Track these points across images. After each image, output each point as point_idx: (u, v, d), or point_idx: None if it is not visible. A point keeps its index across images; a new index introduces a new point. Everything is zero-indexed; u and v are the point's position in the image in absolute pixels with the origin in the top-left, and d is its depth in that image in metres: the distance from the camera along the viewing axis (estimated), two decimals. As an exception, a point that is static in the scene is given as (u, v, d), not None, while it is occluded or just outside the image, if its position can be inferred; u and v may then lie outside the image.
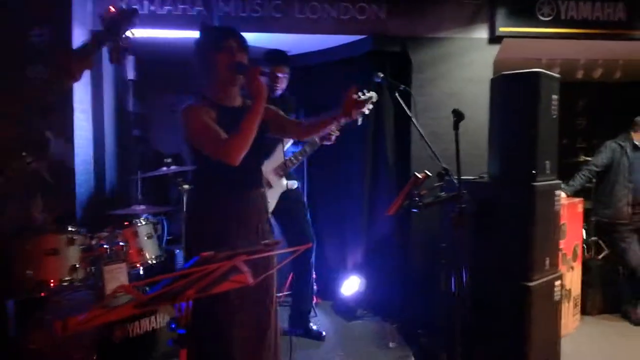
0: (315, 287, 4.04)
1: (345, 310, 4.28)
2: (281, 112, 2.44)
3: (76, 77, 1.88)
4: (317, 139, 3.54)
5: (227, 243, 2.12)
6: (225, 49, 2.16)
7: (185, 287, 1.45)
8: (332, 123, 2.41)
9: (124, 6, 1.96)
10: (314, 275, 3.85)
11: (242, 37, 2.22)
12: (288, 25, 4.07)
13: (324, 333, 3.79)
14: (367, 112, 3.61)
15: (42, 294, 2.59)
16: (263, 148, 2.31)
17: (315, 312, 4.13)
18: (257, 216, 2.28)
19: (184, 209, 2.56)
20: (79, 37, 3.71)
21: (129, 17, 1.93)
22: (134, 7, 1.98)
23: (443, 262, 3.23)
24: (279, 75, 3.50)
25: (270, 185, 3.53)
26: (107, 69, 4.15)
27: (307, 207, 3.81)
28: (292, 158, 3.65)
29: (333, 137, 3.54)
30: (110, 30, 1.92)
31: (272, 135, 2.42)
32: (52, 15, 3.65)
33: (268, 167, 3.52)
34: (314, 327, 3.81)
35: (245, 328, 2.19)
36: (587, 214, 4.46)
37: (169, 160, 3.61)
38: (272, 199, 3.50)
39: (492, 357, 3.06)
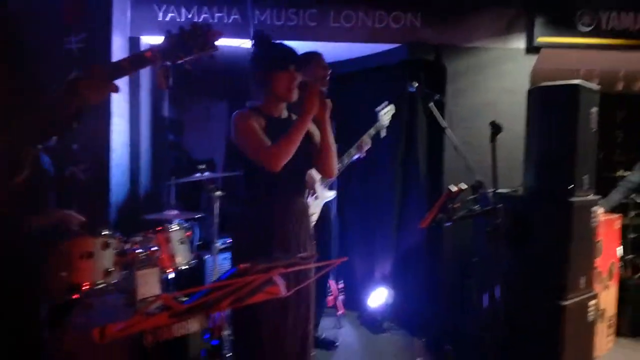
0: (342, 297, 4.02)
1: (372, 323, 4.23)
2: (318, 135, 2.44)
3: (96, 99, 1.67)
4: (352, 150, 3.50)
5: (266, 251, 2.17)
6: (286, 71, 2.25)
7: (221, 298, 1.45)
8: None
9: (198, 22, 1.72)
10: (333, 287, 3.82)
11: (300, 59, 2.32)
12: (323, 34, 4.08)
13: (336, 343, 3.78)
14: (386, 123, 3.62)
15: (76, 297, 2.62)
16: (309, 159, 2.35)
17: (340, 323, 4.10)
18: (298, 224, 2.32)
19: (233, 215, 2.58)
20: (117, 45, 3.78)
21: (207, 37, 1.71)
22: (216, 30, 1.76)
23: (475, 277, 3.17)
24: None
25: (316, 196, 3.51)
26: (144, 74, 4.22)
27: (336, 219, 3.81)
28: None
29: (365, 148, 3.52)
30: (178, 46, 1.69)
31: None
32: (90, 22, 3.72)
33: (317, 177, 3.50)
34: (324, 336, 3.79)
35: (288, 341, 2.22)
36: (624, 230, 4.33)
37: (203, 166, 3.64)
38: (317, 208, 3.49)
39: (523, 376, 2.99)
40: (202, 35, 1.69)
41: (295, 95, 2.27)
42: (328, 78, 3.46)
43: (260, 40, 2.32)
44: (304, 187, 2.43)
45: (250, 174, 2.29)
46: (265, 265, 1.43)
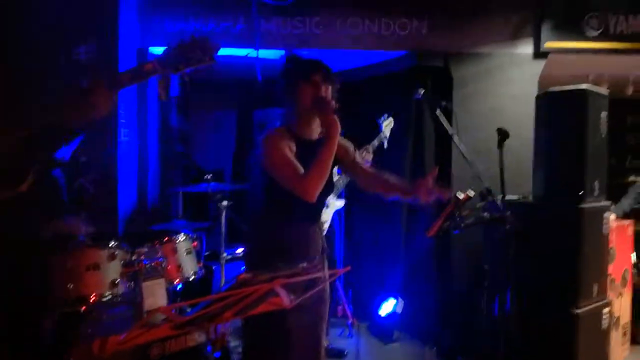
0: (351, 306, 3.98)
1: (382, 332, 4.20)
2: (351, 150, 2.43)
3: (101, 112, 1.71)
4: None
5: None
6: (311, 81, 2.17)
7: (223, 309, 1.43)
8: (398, 194, 2.39)
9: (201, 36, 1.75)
10: (345, 295, 3.81)
11: (327, 70, 2.23)
12: (329, 42, 4.08)
13: (346, 352, 3.75)
14: (387, 134, 3.61)
15: (82, 309, 2.62)
16: (330, 184, 2.28)
17: (350, 333, 4.07)
18: (314, 248, 2.30)
19: (247, 227, 2.59)
20: (125, 55, 3.80)
21: (205, 50, 1.75)
22: (215, 41, 1.79)
23: (485, 285, 3.13)
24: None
25: (327, 205, 3.50)
26: (152, 84, 4.24)
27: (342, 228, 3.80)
28: (340, 178, 3.63)
29: (370, 158, 3.51)
30: (178, 58, 1.73)
31: (341, 170, 2.45)
32: (98, 32, 3.74)
33: None
34: (332, 346, 3.77)
35: (300, 350, 2.19)
36: (637, 236, 4.26)
37: (210, 176, 3.64)
38: (328, 217, 3.48)
39: (536, 386, 2.94)
40: (201, 47, 1.72)
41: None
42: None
43: (290, 58, 2.30)
44: (322, 211, 2.40)
45: (272, 192, 2.23)
46: (266, 276, 1.41)
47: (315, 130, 2.28)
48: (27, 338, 2.10)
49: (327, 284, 2.24)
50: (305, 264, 1.68)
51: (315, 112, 2.17)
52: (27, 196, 1.87)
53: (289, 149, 2.15)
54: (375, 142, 3.56)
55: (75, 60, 3.70)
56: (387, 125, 3.64)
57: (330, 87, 2.20)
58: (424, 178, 2.27)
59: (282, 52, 4.07)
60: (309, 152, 2.16)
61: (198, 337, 2.48)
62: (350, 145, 2.42)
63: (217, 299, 1.39)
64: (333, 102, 2.13)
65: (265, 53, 4.02)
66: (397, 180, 2.40)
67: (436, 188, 2.27)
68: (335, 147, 2.12)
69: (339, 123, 2.11)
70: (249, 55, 4.08)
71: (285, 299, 1.58)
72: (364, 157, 3.50)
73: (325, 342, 2.37)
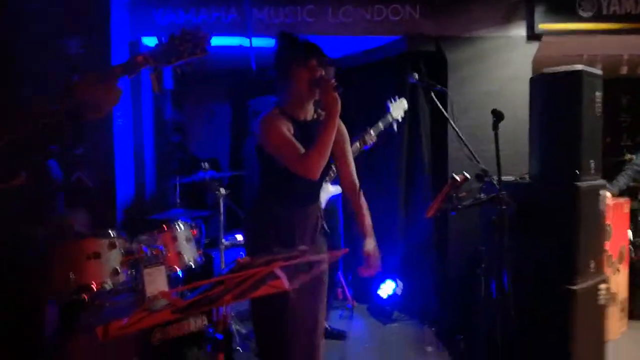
0: (351, 289, 4.01)
1: (382, 313, 4.25)
2: (344, 137, 2.41)
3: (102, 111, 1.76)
4: (358, 145, 3.48)
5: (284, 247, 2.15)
6: (307, 65, 2.16)
7: (222, 293, 1.45)
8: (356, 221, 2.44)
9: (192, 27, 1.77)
10: (344, 277, 3.84)
11: (322, 54, 2.23)
12: (321, 29, 4.06)
13: (346, 333, 3.80)
14: (400, 119, 3.60)
15: (84, 297, 2.64)
16: (328, 165, 2.29)
17: (352, 314, 4.11)
18: (313, 229, 2.31)
19: (245, 213, 2.60)
20: (117, 49, 3.79)
21: (196, 42, 1.76)
22: (206, 32, 1.80)
23: (483, 265, 3.16)
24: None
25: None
26: (146, 77, 4.24)
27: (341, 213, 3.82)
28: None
29: (370, 142, 3.50)
30: (170, 51, 1.75)
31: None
32: (89, 26, 3.73)
33: None
34: (333, 327, 3.81)
35: (300, 327, 2.21)
36: (634, 214, 4.29)
37: (206, 164, 3.66)
38: (322, 202, 3.49)
39: (534, 364, 2.97)
40: (193, 40, 1.73)
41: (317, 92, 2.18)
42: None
43: (283, 38, 2.27)
44: (320, 191, 2.39)
45: (273, 176, 2.25)
46: (264, 259, 1.43)
47: (310, 111, 2.30)
48: (29, 328, 2.12)
49: (326, 265, 2.25)
50: (303, 247, 1.69)
51: (314, 92, 2.17)
52: (22, 190, 1.89)
53: (287, 129, 2.16)
54: (381, 125, 3.53)
55: (67, 55, 3.70)
56: (397, 107, 3.60)
57: (327, 70, 2.20)
58: (367, 262, 2.33)
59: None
60: (305, 132, 2.18)
61: (200, 322, 2.51)
62: (345, 133, 2.41)
63: (217, 282, 1.41)
64: (333, 81, 2.12)
65: (258, 42, 4.02)
66: (361, 216, 2.43)
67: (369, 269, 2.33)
68: (337, 125, 2.13)
69: (339, 101, 2.11)
70: (242, 45, 4.07)
71: (285, 281, 1.60)
72: (366, 142, 3.48)
73: (324, 324, 2.38)
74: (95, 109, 1.78)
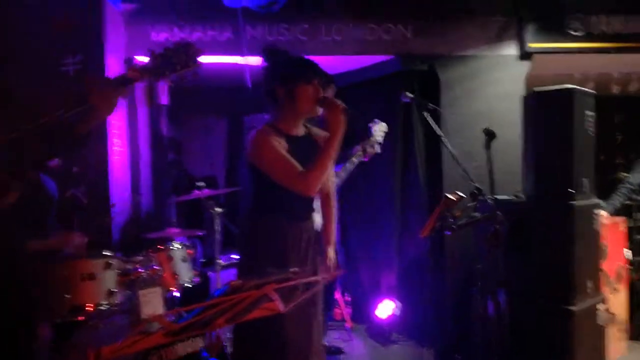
0: (349, 309, 3.99)
1: (380, 334, 4.22)
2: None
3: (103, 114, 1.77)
4: (355, 160, 3.47)
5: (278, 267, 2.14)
6: (311, 83, 2.17)
7: (215, 316, 1.45)
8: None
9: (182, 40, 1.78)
10: (340, 300, 3.81)
11: (325, 73, 2.24)
12: (315, 48, 4.10)
13: (342, 350, 3.80)
14: (380, 140, 3.61)
15: (79, 319, 2.62)
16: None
17: (349, 335, 4.08)
18: (307, 244, 2.30)
19: (240, 230, 2.60)
20: (112, 66, 3.81)
21: (189, 55, 1.77)
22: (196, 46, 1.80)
23: (479, 284, 3.16)
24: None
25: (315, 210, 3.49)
26: (141, 94, 4.25)
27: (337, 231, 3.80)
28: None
29: (369, 156, 3.49)
30: (163, 65, 1.76)
31: None
32: (85, 43, 3.74)
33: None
34: (328, 344, 3.79)
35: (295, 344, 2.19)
36: (630, 233, 4.29)
37: (202, 184, 3.66)
38: (317, 219, 3.48)
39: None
40: (184, 53, 1.74)
41: (319, 110, 2.19)
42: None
43: (274, 54, 2.27)
44: (312, 205, 2.39)
45: (266, 192, 2.24)
46: (258, 282, 1.43)
47: (301, 127, 2.31)
48: (22, 349, 2.10)
49: (320, 286, 2.24)
50: (296, 269, 1.69)
51: (314, 110, 2.19)
52: (15, 207, 1.88)
53: (282, 147, 2.16)
54: (366, 145, 3.54)
55: (64, 72, 3.70)
56: (379, 130, 3.63)
57: (326, 88, 2.23)
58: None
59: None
60: (296, 147, 2.18)
61: (195, 344, 2.49)
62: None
63: (210, 306, 1.40)
64: (342, 104, 2.13)
65: (254, 59, 4.04)
66: (329, 223, 2.49)
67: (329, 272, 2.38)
68: (339, 146, 2.14)
69: (344, 122, 2.12)
70: (237, 62, 4.10)
71: (280, 304, 1.59)
72: (368, 153, 3.48)
73: (321, 343, 2.36)
74: (98, 116, 1.79)
